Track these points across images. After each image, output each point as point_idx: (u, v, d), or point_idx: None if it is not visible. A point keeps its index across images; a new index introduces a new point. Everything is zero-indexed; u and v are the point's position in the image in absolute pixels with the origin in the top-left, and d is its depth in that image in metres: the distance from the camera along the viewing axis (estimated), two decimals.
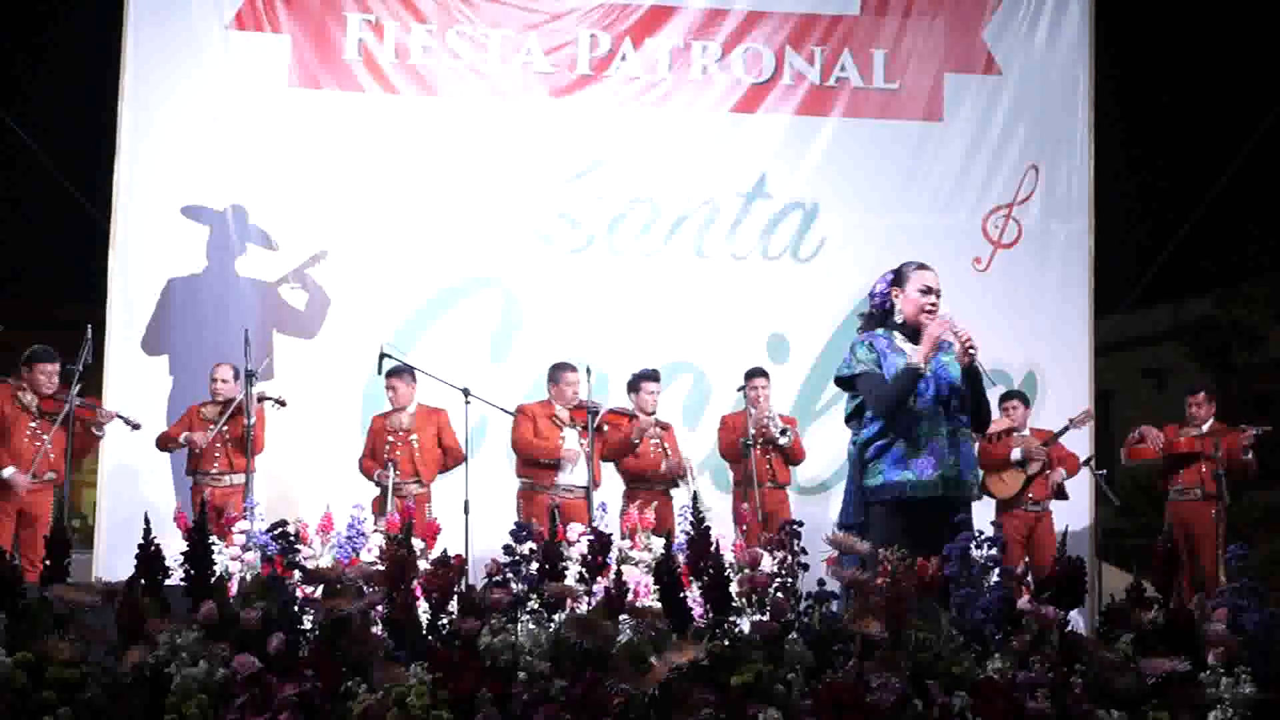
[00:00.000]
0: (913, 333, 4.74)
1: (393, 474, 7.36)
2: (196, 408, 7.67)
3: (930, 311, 4.70)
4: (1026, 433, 8.12)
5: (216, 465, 7.48)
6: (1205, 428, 8.04)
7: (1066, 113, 8.88)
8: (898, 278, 4.80)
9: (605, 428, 7.62)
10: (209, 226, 8.28)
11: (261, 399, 7.46)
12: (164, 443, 7.67)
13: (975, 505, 7.95)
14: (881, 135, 8.80)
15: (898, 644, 3.17)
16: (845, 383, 4.80)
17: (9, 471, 7.01)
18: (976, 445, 4.80)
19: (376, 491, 7.46)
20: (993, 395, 8.19)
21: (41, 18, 13.79)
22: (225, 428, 7.44)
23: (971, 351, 4.61)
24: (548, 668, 3.07)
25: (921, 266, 4.80)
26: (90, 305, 8.33)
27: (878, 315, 4.84)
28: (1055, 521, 7.91)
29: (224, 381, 7.57)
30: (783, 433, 7.68)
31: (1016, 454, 7.99)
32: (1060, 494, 8.07)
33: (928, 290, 4.73)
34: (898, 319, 4.77)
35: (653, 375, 7.83)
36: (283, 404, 7.60)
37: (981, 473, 8.18)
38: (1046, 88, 8.88)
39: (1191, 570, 7.65)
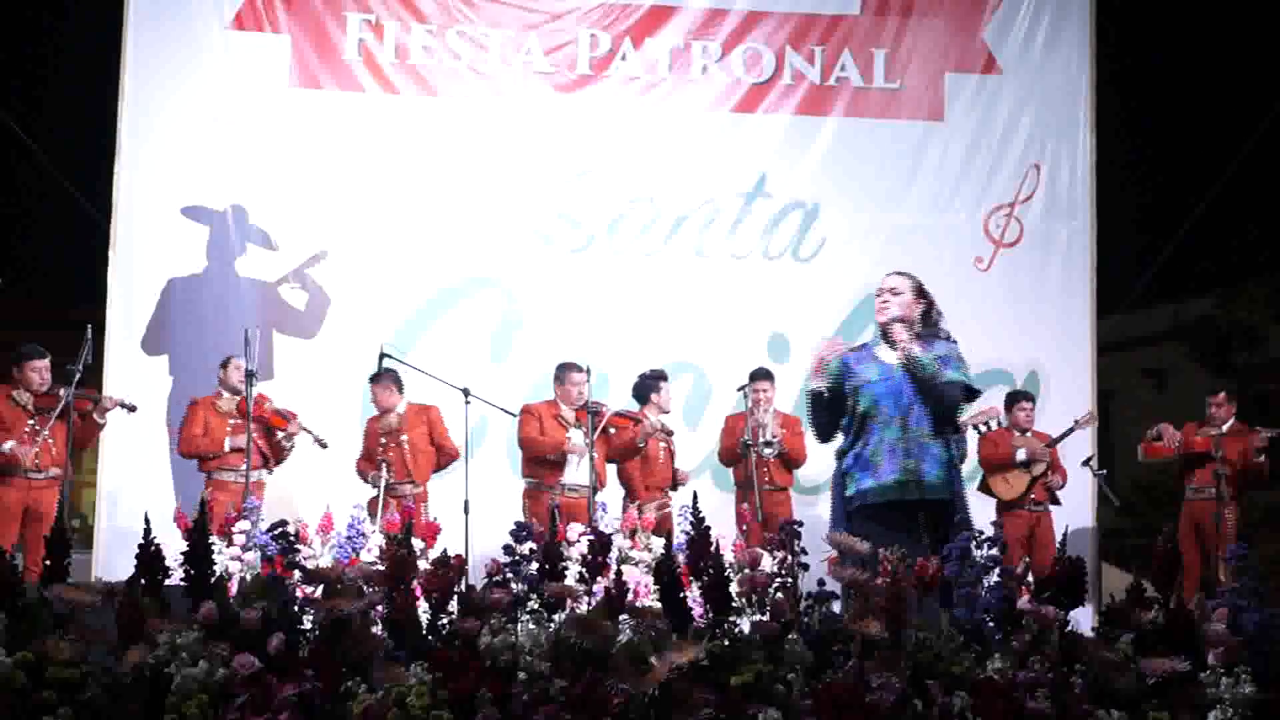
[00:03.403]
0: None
1: (385, 475, 7.36)
2: (210, 400, 7.50)
3: (882, 309, 4.89)
4: (1029, 434, 8.12)
5: (245, 464, 7.32)
6: (1225, 428, 8.03)
7: (1067, 112, 8.87)
8: None
9: (611, 430, 7.63)
10: (209, 227, 8.27)
11: (302, 430, 7.44)
12: (202, 451, 7.38)
13: (975, 505, 8.06)
14: (882, 135, 8.79)
15: (898, 644, 3.18)
16: None
17: (9, 445, 6.96)
18: (970, 444, 4.89)
19: (374, 493, 7.46)
20: (997, 400, 8.32)
21: (42, 18, 13.79)
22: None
23: (903, 350, 4.77)
24: (548, 668, 3.07)
25: (887, 274, 5.01)
26: (90, 305, 8.32)
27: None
28: (1055, 521, 7.90)
29: (242, 370, 7.34)
30: (767, 444, 7.66)
31: (1021, 454, 7.99)
32: (1054, 499, 8.06)
33: (879, 292, 4.94)
34: None
35: (664, 374, 7.87)
36: (324, 445, 7.53)
37: (972, 469, 8.24)
38: (1047, 87, 8.87)
39: (1203, 570, 7.65)
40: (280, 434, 7.46)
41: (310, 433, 7.52)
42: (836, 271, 8.60)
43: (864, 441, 4.76)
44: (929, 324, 4.93)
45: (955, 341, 4.97)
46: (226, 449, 7.35)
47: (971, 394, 4.96)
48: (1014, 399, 8.19)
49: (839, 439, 4.99)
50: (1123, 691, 3.18)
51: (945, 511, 4.58)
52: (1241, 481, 7.88)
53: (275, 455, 7.54)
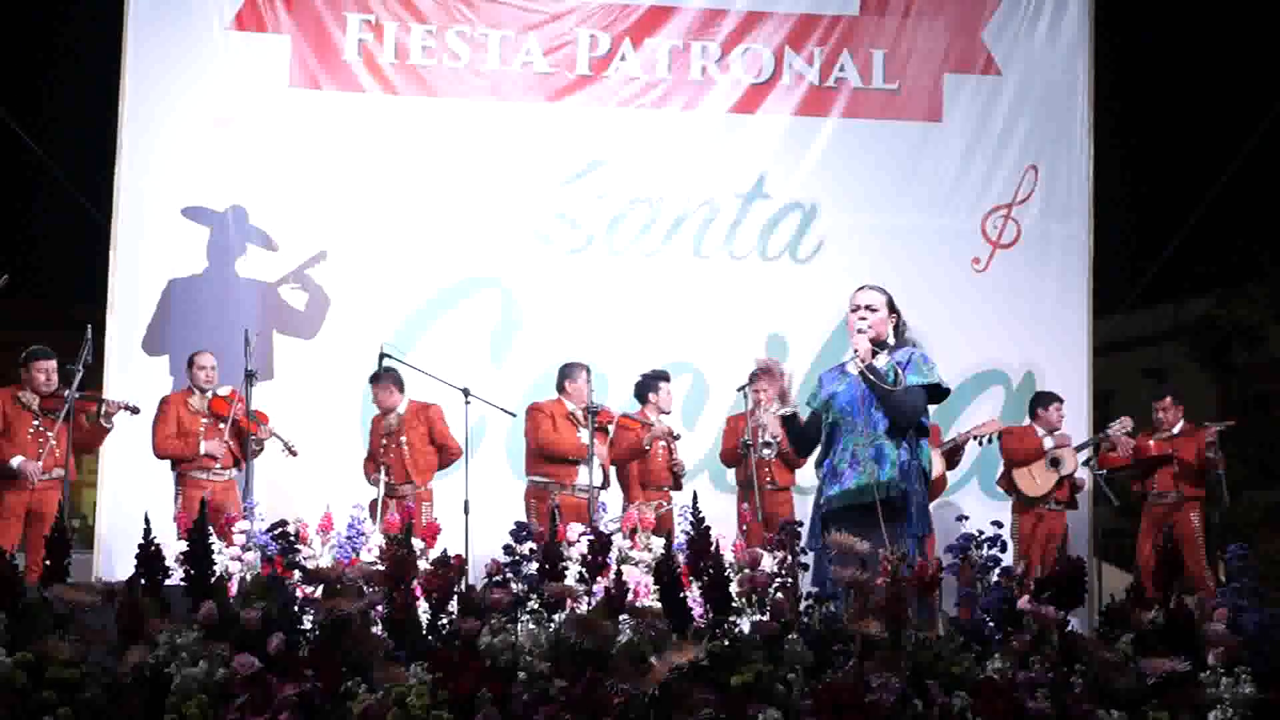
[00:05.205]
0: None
1: (383, 476, 7.36)
2: (182, 397, 7.49)
3: (861, 326, 4.87)
4: (1062, 432, 8.15)
5: (219, 462, 7.39)
6: (1176, 430, 8.10)
7: (1066, 113, 8.87)
8: None
9: (611, 431, 7.63)
10: (209, 227, 8.28)
11: (272, 436, 7.42)
12: (178, 455, 7.41)
13: (994, 503, 8.07)
14: (881, 135, 8.79)
15: (898, 644, 3.18)
16: None
17: (18, 460, 6.97)
18: (924, 447, 4.88)
19: (375, 493, 7.46)
20: (994, 400, 8.35)
21: (42, 18, 13.80)
22: (220, 424, 7.37)
23: (860, 360, 4.80)
24: (548, 668, 3.08)
25: (861, 288, 4.98)
26: (91, 305, 8.33)
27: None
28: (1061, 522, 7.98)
29: (213, 369, 7.44)
30: (766, 445, 7.66)
31: (1049, 442, 8.01)
32: (1072, 503, 8.12)
33: (855, 308, 4.92)
34: None
35: (666, 375, 7.88)
36: (294, 453, 7.50)
37: (965, 474, 8.26)
38: (1046, 88, 8.87)
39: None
40: (251, 438, 7.34)
41: (280, 439, 7.44)
42: (834, 272, 8.58)
43: (833, 451, 4.89)
44: (899, 337, 4.98)
45: (917, 345, 5.00)
46: (201, 453, 7.35)
47: (938, 394, 4.97)
48: (1045, 400, 8.17)
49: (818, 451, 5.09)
50: (1123, 691, 3.18)
51: (898, 508, 4.65)
52: (1201, 480, 7.93)
53: (243, 457, 7.44)
